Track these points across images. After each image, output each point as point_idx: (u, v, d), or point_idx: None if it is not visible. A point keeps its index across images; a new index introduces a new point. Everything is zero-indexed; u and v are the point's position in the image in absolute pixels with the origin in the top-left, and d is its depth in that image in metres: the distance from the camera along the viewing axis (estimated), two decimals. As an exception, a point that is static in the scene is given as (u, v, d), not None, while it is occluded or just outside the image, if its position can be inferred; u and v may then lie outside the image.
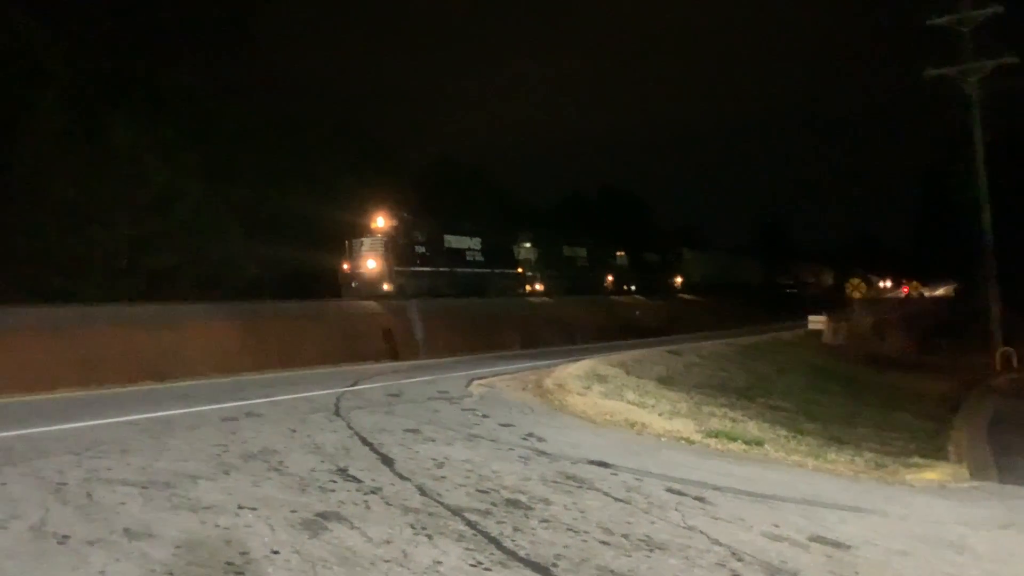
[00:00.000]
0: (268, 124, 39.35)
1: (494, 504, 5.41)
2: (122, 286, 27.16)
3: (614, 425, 9.14)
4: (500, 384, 12.67)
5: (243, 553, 4.21)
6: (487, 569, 4.17)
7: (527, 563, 4.29)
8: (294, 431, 7.77)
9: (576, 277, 40.82)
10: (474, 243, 32.51)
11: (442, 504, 5.33)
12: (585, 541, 4.71)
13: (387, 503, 5.29)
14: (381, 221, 28.11)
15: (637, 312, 41.00)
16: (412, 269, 28.31)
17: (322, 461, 6.44)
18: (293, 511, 5.00)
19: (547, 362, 16.94)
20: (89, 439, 7.11)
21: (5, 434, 7.42)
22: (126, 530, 4.48)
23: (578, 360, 15.20)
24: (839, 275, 76.82)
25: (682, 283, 53.52)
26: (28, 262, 24.85)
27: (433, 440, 7.55)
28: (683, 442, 8.42)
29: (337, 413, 9.08)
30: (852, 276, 52.14)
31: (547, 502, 5.54)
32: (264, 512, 4.94)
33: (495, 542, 4.62)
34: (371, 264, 27.40)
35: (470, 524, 4.92)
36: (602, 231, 51.64)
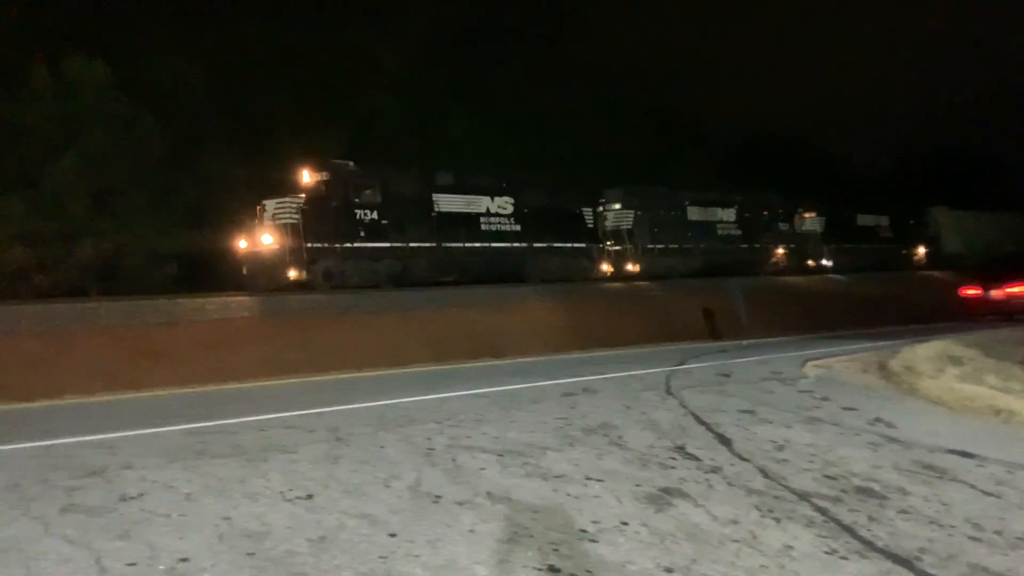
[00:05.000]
0: (584, 109, 40.77)
1: (844, 491, 5.15)
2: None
3: (974, 411, 8.26)
4: (838, 365, 12.00)
5: (595, 522, 4.40)
6: (843, 558, 3.99)
7: (887, 554, 4.04)
8: (629, 407, 7.97)
9: (716, 251, 29.54)
10: (499, 206, 22.98)
11: (787, 488, 5.18)
12: (951, 536, 4.33)
13: (729, 483, 5.25)
14: (307, 176, 20.00)
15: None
16: (349, 246, 19.69)
17: (659, 438, 6.54)
18: (637, 485, 5.13)
19: (887, 343, 15.75)
20: (448, 409, 7.85)
21: (378, 403, 8.42)
22: (488, 493, 4.88)
23: (925, 341, 13.95)
24: None
25: (928, 254, 39.53)
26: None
27: (770, 422, 7.35)
28: (1062, 433, 7.40)
29: (668, 391, 9.16)
30: None
31: (903, 492, 5.16)
32: (610, 484, 5.13)
33: (849, 530, 4.40)
34: (266, 240, 18.78)
35: (820, 510, 4.73)
36: (932, 194, 43.54)
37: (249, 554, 3.84)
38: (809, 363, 12.25)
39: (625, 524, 4.38)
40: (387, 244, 20.39)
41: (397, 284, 20.46)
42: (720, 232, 30.03)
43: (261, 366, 14.16)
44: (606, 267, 26.30)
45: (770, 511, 4.69)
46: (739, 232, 30.53)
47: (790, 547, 4.12)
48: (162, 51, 29.20)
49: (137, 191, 24.29)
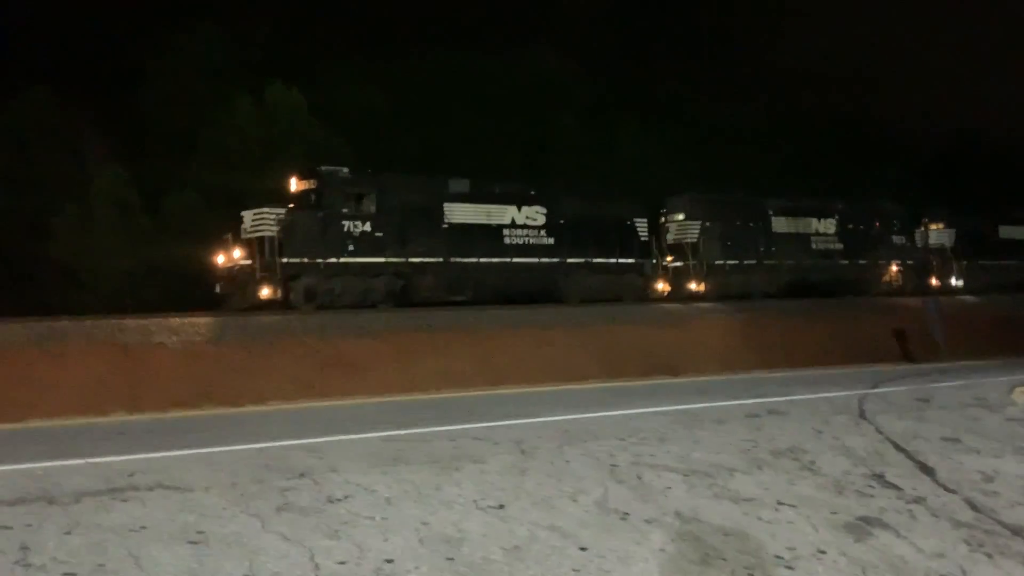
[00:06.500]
0: (768, 121, 39.67)
1: (1065, 529, 4.76)
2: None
3: None
4: (1051, 393, 11.02)
5: (789, 548, 4.30)
6: (1070, 602, 3.70)
7: (1122, 602, 3.71)
8: (819, 432, 7.66)
9: (808, 268, 25.40)
10: (528, 217, 20.25)
11: (998, 521, 4.86)
12: None
13: (933, 514, 4.98)
14: (294, 184, 18.31)
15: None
16: (335, 261, 17.57)
17: (854, 464, 6.27)
18: (833, 512, 4.96)
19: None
20: (629, 426, 7.84)
21: (558, 418, 8.54)
22: (677, 513, 4.86)
23: None
24: None
25: None
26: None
27: (977, 451, 6.87)
28: None
29: (862, 416, 8.73)
30: None
31: None
32: (804, 510, 4.98)
33: (1074, 573, 4.07)
34: (236, 254, 17.18)
35: (1039, 548, 4.41)
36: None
37: (449, 559, 4.02)
38: (1017, 389, 11.31)
39: (822, 552, 4.26)
40: (382, 259, 18.15)
41: (398, 303, 18.41)
42: (815, 246, 26.04)
43: (440, 378, 14.67)
44: (662, 286, 23.22)
45: (980, 545, 4.42)
46: (840, 246, 26.43)
47: (1008, 586, 3.87)
48: (351, 78, 31.05)
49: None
